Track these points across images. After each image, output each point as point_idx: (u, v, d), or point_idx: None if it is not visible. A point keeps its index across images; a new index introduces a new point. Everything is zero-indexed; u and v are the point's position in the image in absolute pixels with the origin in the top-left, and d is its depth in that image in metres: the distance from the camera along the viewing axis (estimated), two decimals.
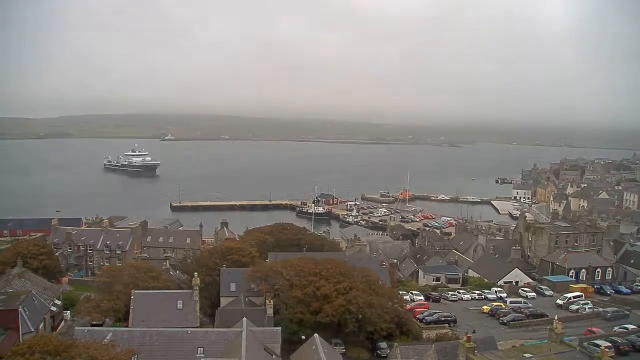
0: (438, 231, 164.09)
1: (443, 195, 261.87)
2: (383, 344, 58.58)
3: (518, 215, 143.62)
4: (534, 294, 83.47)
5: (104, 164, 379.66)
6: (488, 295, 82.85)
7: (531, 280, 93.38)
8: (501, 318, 69.19)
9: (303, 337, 54.66)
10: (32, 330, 53.02)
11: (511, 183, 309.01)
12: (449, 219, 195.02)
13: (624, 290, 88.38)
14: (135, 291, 58.52)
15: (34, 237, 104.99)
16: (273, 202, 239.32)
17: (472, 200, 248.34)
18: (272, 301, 56.89)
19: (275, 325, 53.54)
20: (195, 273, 62.22)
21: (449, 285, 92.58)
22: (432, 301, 79.60)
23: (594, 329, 60.11)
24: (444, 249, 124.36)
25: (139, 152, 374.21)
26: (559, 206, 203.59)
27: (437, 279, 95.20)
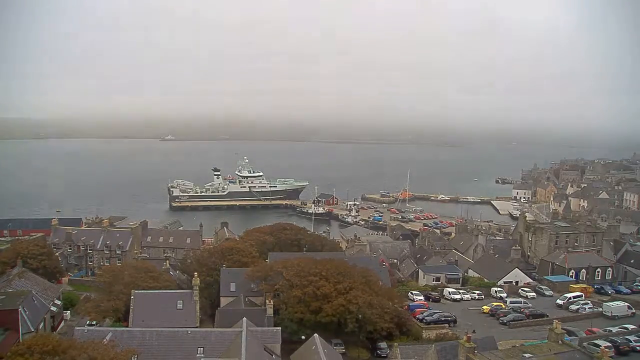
0: (438, 231, 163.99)
1: (443, 196, 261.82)
2: (383, 344, 58.58)
3: (518, 215, 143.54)
4: (534, 294, 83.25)
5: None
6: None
7: (531, 280, 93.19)
8: (501, 318, 69.08)
9: (303, 337, 54.69)
10: (32, 330, 53.10)
11: (511, 183, 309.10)
12: (449, 219, 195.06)
13: (624, 290, 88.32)
14: (135, 291, 58.62)
15: (34, 237, 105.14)
16: (273, 202, 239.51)
17: (472, 200, 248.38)
18: (272, 301, 56.94)
19: (275, 325, 53.62)
20: (195, 273, 62.34)
21: (449, 285, 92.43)
22: (432, 301, 79.57)
23: (594, 329, 60.11)
24: (444, 249, 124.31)
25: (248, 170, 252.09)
26: (559, 206, 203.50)
27: (437, 279, 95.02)
